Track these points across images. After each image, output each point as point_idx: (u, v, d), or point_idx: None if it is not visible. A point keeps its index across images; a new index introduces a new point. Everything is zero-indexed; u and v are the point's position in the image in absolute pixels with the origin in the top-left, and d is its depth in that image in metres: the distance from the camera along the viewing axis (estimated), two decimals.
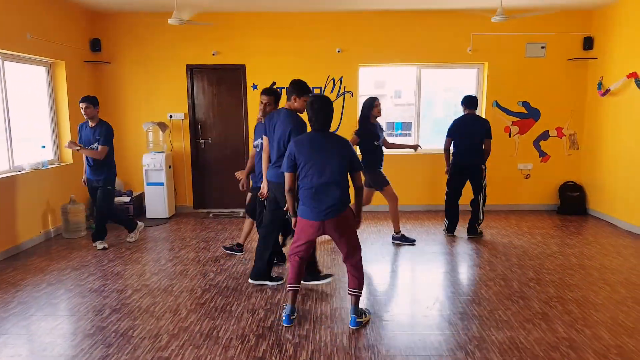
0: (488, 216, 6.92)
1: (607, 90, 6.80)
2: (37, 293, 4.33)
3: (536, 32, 7.28)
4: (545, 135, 7.53)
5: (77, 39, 6.95)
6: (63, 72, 6.59)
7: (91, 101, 5.46)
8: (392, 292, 4.39)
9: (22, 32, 5.71)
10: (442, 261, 5.21)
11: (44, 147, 6.40)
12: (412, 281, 4.76)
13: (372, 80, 7.85)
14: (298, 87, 4.07)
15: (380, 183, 5.64)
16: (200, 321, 3.71)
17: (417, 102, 7.54)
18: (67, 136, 6.65)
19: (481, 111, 7.59)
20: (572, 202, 7.44)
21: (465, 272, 4.92)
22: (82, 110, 5.43)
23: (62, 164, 6.61)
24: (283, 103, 4.41)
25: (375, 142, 5.63)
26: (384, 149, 5.80)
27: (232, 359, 3.15)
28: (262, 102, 4.71)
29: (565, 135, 7.56)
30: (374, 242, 5.88)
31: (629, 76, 6.29)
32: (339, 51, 7.34)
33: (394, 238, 5.83)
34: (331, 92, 7.45)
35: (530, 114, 7.47)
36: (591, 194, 7.36)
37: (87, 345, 3.35)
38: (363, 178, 4.55)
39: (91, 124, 5.51)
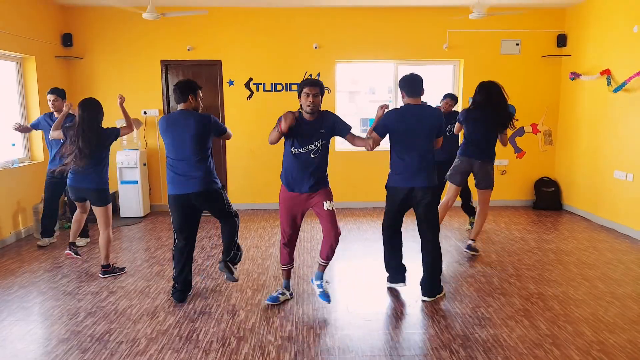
0: (465, 214, 6.95)
1: (578, 76, 6.91)
2: (8, 297, 4.17)
3: (511, 29, 7.34)
4: (520, 132, 7.60)
5: (48, 33, 6.73)
6: (33, 67, 6.38)
7: (59, 93, 5.38)
8: (371, 291, 4.35)
9: None
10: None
11: (14, 145, 6.18)
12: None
13: (348, 76, 7.81)
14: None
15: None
16: (179, 324, 3.62)
17: (395, 98, 7.54)
18: (37, 134, 6.43)
19: (460, 107, 7.63)
20: (547, 197, 7.54)
21: (445, 269, 4.91)
22: (50, 103, 5.33)
23: (33, 162, 6.40)
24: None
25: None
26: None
27: None
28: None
29: (540, 131, 7.66)
30: (353, 239, 5.86)
31: (602, 73, 6.39)
32: (316, 47, 7.28)
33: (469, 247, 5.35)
34: None
35: None
36: (565, 189, 7.47)
37: (62, 350, 3.23)
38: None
39: (57, 116, 5.31)
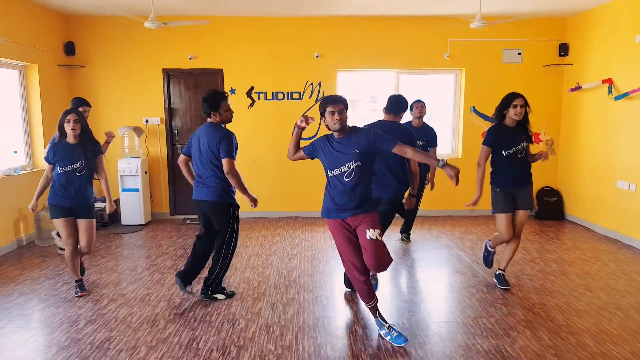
0: (467, 222, 6.95)
1: (578, 88, 6.91)
2: (9, 304, 4.16)
3: (513, 39, 7.35)
4: None
5: (50, 42, 6.76)
6: (36, 75, 6.40)
7: (88, 104, 5.33)
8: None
9: None
10: (422, 267, 5.19)
11: (16, 152, 6.20)
12: (395, 289, 4.71)
13: (349, 85, 7.82)
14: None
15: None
16: (179, 332, 3.60)
17: None
18: (40, 141, 6.45)
19: (459, 117, 7.64)
20: (549, 207, 7.52)
21: (446, 279, 4.90)
22: (86, 113, 5.09)
23: (35, 170, 6.40)
24: None
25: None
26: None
27: None
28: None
29: (542, 141, 7.65)
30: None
31: (604, 81, 6.39)
32: (317, 56, 7.31)
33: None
34: (310, 97, 7.40)
35: None
36: (568, 199, 7.45)
37: (62, 358, 3.22)
38: None
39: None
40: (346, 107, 3.38)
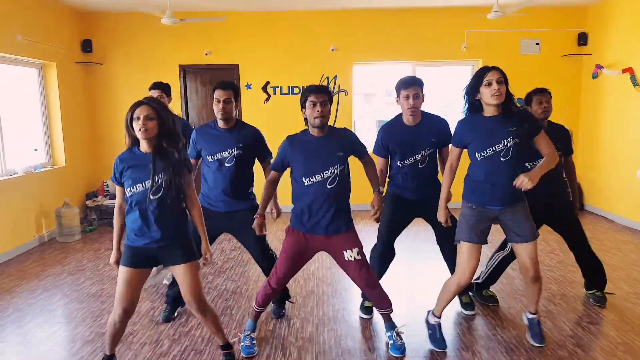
0: None
1: (600, 68, 6.80)
2: (33, 300, 4.23)
3: (530, 29, 7.26)
4: None
5: (68, 39, 6.84)
6: (54, 73, 6.49)
7: (165, 89, 4.48)
8: (392, 294, 4.32)
9: (12, 33, 5.60)
10: (439, 259, 5.15)
11: (36, 150, 6.29)
12: (410, 281, 4.70)
13: (364, 78, 7.81)
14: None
15: None
16: (201, 325, 3.63)
17: None
18: (59, 139, 6.54)
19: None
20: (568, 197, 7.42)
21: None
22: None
23: (54, 167, 6.50)
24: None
25: None
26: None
27: None
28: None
29: None
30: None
31: (624, 71, 6.30)
32: (333, 49, 7.29)
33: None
34: None
35: None
36: (588, 190, 7.36)
37: (87, 352, 3.28)
38: None
39: None
40: (330, 102, 3.05)
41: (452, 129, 3.35)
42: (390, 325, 3.26)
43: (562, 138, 3.70)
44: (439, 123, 3.52)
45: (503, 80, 2.86)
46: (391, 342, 3.23)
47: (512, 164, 2.91)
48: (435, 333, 3.26)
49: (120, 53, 7.32)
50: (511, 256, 3.85)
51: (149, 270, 2.86)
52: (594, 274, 3.95)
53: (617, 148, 6.60)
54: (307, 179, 3.00)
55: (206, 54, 7.27)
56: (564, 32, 7.30)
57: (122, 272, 2.72)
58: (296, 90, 7.37)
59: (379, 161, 3.58)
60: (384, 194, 3.53)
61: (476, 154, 2.98)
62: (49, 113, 6.54)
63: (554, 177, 3.55)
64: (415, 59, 7.42)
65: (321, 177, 2.98)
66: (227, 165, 3.45)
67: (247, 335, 3.27)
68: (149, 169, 2.66)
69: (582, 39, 7.24)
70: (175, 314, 3.79)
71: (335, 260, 3.18)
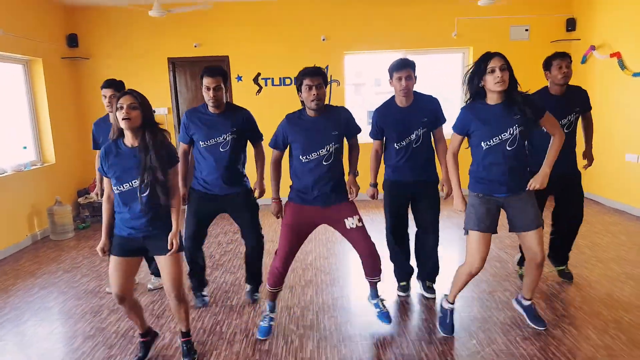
0: None
1: (592, 49, 6.86)
2: (30, 298, 4.22)
3: (520, 15, 7.31)
4: None
5: (53, 35, 6.76)
6: (40, 69, 6.41)
7: (118, 87, 4.07)
8: (393, 280, 4.37)
9: None
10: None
11: (25, 148, 6.24)
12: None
13: (353, 68, 7.81)
14: None
15: None
16: (202, 317, 3.67)
17: None
18: (48, 135, 6.49)
19: (466, 97, 7.63)
20: None
21: (459, 257, 4.93)
22: (106, 100, 3.99)
23: (45, 165, 6.45)
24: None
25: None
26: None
27: (238, 354, 3.13)
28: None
29: None
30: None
31: (611, 55, 6.37)
32: (323, 39, 7.28)
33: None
34: None
35: None
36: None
37: (89, 347, 3.29)
38: None
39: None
40: (325, 83, 3.12)
41: (444, 109, 3.56)
42: (376, 293, 3.45)
43: (580, 99, 3.83)
44: (431, 102, 3.60)
45: (506, 67, 2.83)
46: (378, 310, 3.42)
47: (517, 152, 2.92)
48: (445, 318, 3.28)
49: (107, 47, 7.25)
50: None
51: (139, 260, 2.93)
52: (563, 251, 4.10)
53: (606, 132, 6.68)
54: (305, 157, 3.12)
55: (195, 46, 7.23)
56: (552, 17, 7.35)
57: (112, 261, 2.82)
58: (288, 81, 7.36)
59: (374, 143, 3.71)
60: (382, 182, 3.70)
61: (482, 142, 2.95)
62: (37, 110, 6.47)
63: (568, 149, 3.63)
64: (406, 47, 7.43)
65: (317, 154, 3.10)
66: (222, 150, 3.50)
67: (267, 316, 3.36)
68: (135, 169, 2.69)
69: (571, 24, 7.30)
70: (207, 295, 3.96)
71: (338, 230, 3.25)
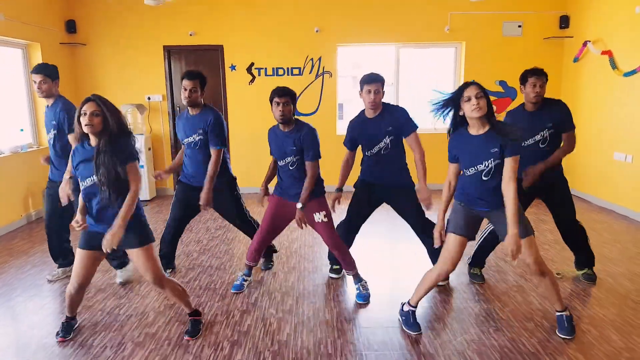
0: None
1: (587, 43, 6.92)
2: (22, 274, 4.34)
3: (513, 11, 7.36)
4: None
5: (52, 20, 6.83)
6: (39, 54, 6.49)
7: (49, 72, 4.02)
8: (375, 268, 4.46)
9: None
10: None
11: (22, 130, 6.33)
12: (390, 260, 4.87)
13: (351, 60, 7.86)
14: None
15: None
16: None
17: (396, 82, 7.60)
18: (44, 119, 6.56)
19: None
20: None
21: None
22: (36, 86, 3.96)
23: (41, 147, 6.54)
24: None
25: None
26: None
27: (217, 334, 3.24)
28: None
29: None
30: None
31: (603, 53, 6.43)
32: (317, 31, 7.34)
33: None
34: (310, 72, 7.45)
35: (507, 93, 7.59)
36: (565, 171, 7.46)
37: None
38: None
39: (48, 102, 4.08)
40: (293, 100, 3.58)
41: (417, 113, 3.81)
42: (358, 279, 3.84)
43: (557, 115, 3.79)
44: (396, 112, 3.76)
45: (482, 94, 2.91)
46: (357, 291, 3.78)
47: (494, 180, 2.99)
48: (408, 319, 3.32)
49: (104, 34, 7.31)
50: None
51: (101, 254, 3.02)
52: (580, 252, 4.12)
53: (596, 130, 6.76)
54: (281, 161, 3.72)
55: (190, 35, 7.29)
56: (546, 14, 7.41)
57: (78, 253, 3.00)
58: (281, 72, 7.43)
59: (346, 152, 3.99)
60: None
61: (463, 169, 3.11)
62: (34, 94, 6.55)
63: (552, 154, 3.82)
64: (399, 41, 7.49)
65: (284, 162, 3.70)
66: (195, 148, 3.94)
67: (242, 276, 3.96)
68: (93, 165, 2.84)
69: (564, 21, 7.35)
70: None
71: (308, 223, 3.70)
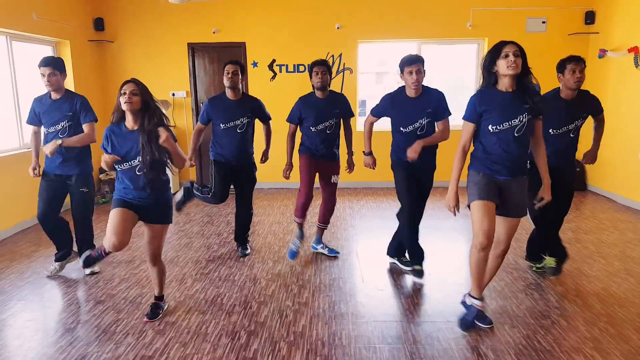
0: None
1: (604, 52, 6.82)
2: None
3: (537, 7, 7.27)
4: None
5: (81, 18, 7.02)
6: (68, 51, 6.68)
7: (57, 65, 4.00)
8: (386, 264, 4.48)
9: (28, 12, 5.80)
10: (435, 236, 5.29)
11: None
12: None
13: (375, 57, 7.86)
14: None
15: None
16: (205, 289, 3.88)
17: None
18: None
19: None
20: None
21: (460, 247, 5.03)
22: (45, 78, 3.95)
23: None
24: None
25: None
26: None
27: (235, 324, 3.32)
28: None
29: None
30: (372, 216, 6.01)
31: (629, 50, 6.32)
32: (338, 27, 7.37)
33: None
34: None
35: None
36: (591, 169, 7.43)
37: (99, 310, 3.53)
38: None
39: (55, 96, 4.06)
40: (329, 71, 4.24)
41: (458, 101, 3.76)
42: (319, 239, 4.67)
43: (591, 105, 3.96)
44: (436, 95, 3.86)
45: (520, 53, 2.92)
46: (327, 250, 4.62)
47: (523, 139, 3.00)
48: (467, 314, 3.24)
49: (130, 31, 7.48)
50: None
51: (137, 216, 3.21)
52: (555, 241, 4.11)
53: (621, 128, 6.64)
54: (314, 128, 4.29)
55: (214, 32, 7.40)
56: (571, 10, 7.29)
57: (113, 214, 3.14)
58: (302, 68, 7.48)
59: (369, 117, 4.14)
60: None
61: (490, 126, 3.01)
62: None
63: (570, 151, 3.93)
64: (420, 37, 7.46)
65: (324, 126, 4.28)
66: (238, 131, 4.40)
67: (296, 239, 4.56)
68: (134, 149, 3.10)
69: (590, 17, 7.23)
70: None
71: (321, 178, 4.43)
